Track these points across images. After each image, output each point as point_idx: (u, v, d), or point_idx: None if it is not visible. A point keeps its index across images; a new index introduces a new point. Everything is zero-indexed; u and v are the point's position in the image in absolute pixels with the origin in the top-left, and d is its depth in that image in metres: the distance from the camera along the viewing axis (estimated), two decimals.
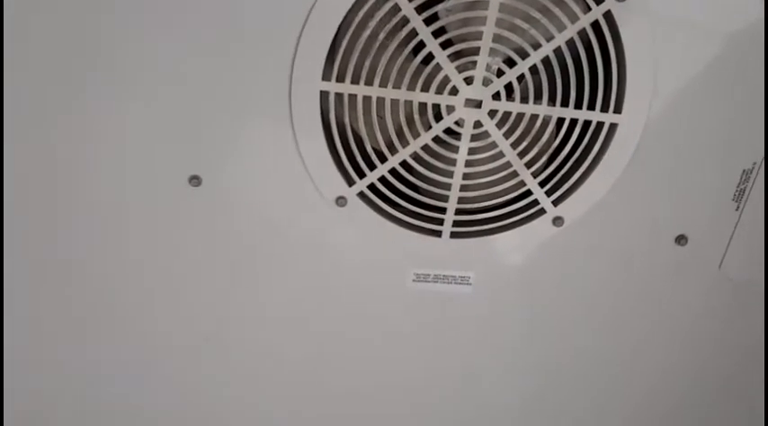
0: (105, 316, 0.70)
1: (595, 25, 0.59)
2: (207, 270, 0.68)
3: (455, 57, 0.60)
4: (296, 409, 0.79)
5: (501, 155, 0.64)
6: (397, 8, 0.57)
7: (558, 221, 0.67)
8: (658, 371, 0.78)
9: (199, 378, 0.76)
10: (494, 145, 0.64)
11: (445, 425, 0.81)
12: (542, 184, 0.66)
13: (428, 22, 0.57)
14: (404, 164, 0.64)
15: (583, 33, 0.59)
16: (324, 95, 0.60)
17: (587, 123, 0.63)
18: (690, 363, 0.78)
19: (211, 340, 0.73)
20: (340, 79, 0.59)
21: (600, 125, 0.63)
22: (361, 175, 0.64)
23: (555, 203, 0.67)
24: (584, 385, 0.80)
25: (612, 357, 0.77)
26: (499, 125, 0.63)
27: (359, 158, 0.63)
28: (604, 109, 0.62)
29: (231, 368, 0.75)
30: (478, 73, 0.60)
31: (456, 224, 0.68)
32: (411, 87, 0.60)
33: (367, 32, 0.58)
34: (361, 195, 0.65)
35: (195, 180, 0.63)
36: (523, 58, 0.60)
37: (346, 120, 0.62)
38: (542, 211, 0.67)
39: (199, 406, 0.77)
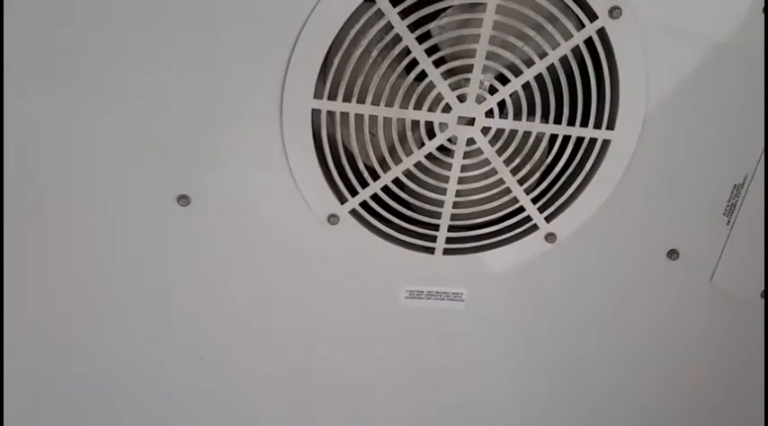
0: (92, 336, 0.68)
1: (588, 41, 0.59)
2: (198, 290, 0.67)
3: (448, 74, 0.59)
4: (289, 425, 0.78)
5: (494, 171, 0.64)
6: (389, 25, 0.56)
7: (550, 237, 0.67)
8: (653, 386, 0.78)
9: (193, 396, 0.74)
10: (486, 162, 0.63)
11: None
12: (535, 201, 0.66)
13: (421, 39, 0.57)
14: (396, 180, 0.64)
15: (576, 50, 0.59)
16: (315, 113, 0.59)
17: (580, 139, 0.63)
18: (683, 377, 0.78)
19: (207, 358, 0.72)
20: (332, 97, 0.59)
21: (593, 141, 0.63)
22: (354, 193, 0.64)
23: (547, 219, 0.67)
24: (580, 400, 0.79)
25: (607, 372, 0.77)
26: (492, 142, 0.62)
27: (351, 176, 0.63)
28: (597, 125, 0.62)
29: (225, 385, 0.74)
30: (471, 90, 0.59)
31: (449, 240, 0.67)
32: (404, 105, 0.60)
33: (359, 50, 0.57)
34: (354, 212, 0.65)
35: (184, 199, 0.61)
36: (516, 75, 0.60)
37: (338, 138, 0.61)
38: (535, 227, 0.67)
39: (193, 422, 0.76)
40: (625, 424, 0.81)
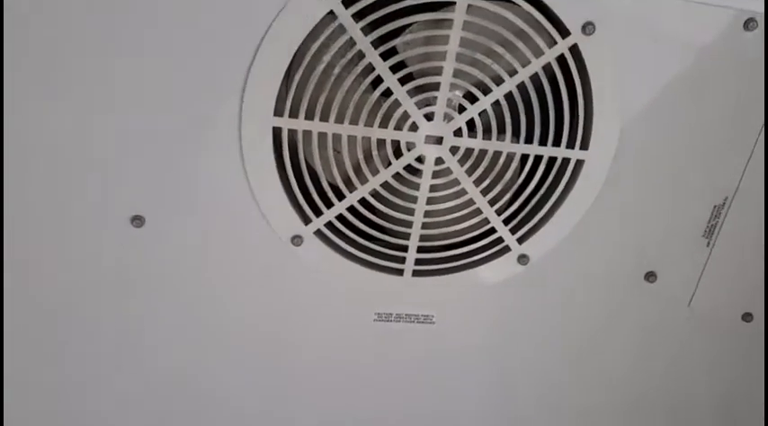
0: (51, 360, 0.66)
1: (560, 58, 0.56)
2: (156, 314, 0.64)
3: (415, 91, 0.57)
4: None
5: (464, 192, 0.61)
6: (352, 41, 0.53)
7: (523, 259, 0.65)
8: (630, 409, 0.76)
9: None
10: (456, 181, 0.61)
11: None
12: (507, 221, 0.64)
13: (386, 55, 0.54)
14: (362, 200, 0.61)
15: (547, 66, 0.57)
16: (276, 131, 0.57)
17: (552, 159, 0.61)
18: (661, 399, 0.76)
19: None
20: (293, 114, 0.56)
21: (566, 161, 0.61)
22: (318, 213, 0.61)
23: (520, 241, 0.64)
24: (552, 421, 0.77)
25: (583, 395, 0.74)
26: (461, 161, 0.60)
27: (315, 195, 0.60)
28: (570, 145, 0.60)
29: (196, 411, 0.71)
30: (439, 109, 0.57)
31: (418, 262, 0.65)
32: (369, 123, 0.57)
33: (322, 65, 0.54)
34: (318, 233, 0.62)
35: (138, 220, 0.59)
36: (485, 93, 0.57)
37: (301, 156, 0.58)
38: (507, 249, 0.65)
39: None
40: None
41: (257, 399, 0.71)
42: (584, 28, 0.54)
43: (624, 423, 0.77)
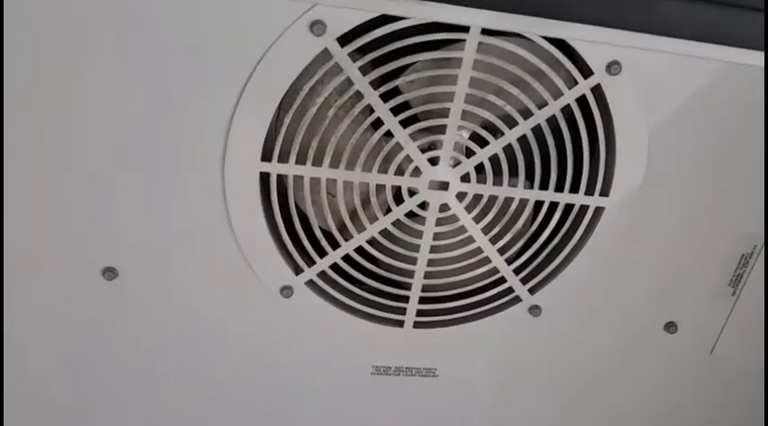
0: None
1: (581, 99, 0.51)
2: (135, 374, 0.59)
3: (418, 134, 0.51)
4: None
5: (471, 240, 0.56)
6: (350, 81, 0.48)
7: (534, 310, 0.59)
8: None
9: None
10: (462, 229, 0.55)
11: None
12: (517, 271, 0.58)
13: (387, 96, 0.49)
14: (359, 248, 0.56)
15: (566, 107, 0.51)
16: (264, 176, 0.51)
17: (569, 206, 0.55)
18: None
19: None
20: (283, 158, 0.51)
21: (584, 208, 0.55)
22: (310, 262, 0.56)
23: (531, 291, 0.59)
24: None
25: None
26: (469, 208, 0.54)
27: (306, 243, 0.54)
28: (589, 191, 0.54)
29: None
30: (445, 153, 0.51)
31: (420, 313, 0.59)
32: (367, 167, 0.52)
33: (315, 106, 0.49)
34: (310, 283, 0.57)
35: (110, 272, 0.53)
36: (495, 134, 0.52)
37: (291, 201, 0.53)
38: (517, 299, 0.59)
39: None
40: None
41: None
42: (608, 67, 0.48)
43: None
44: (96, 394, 0.60)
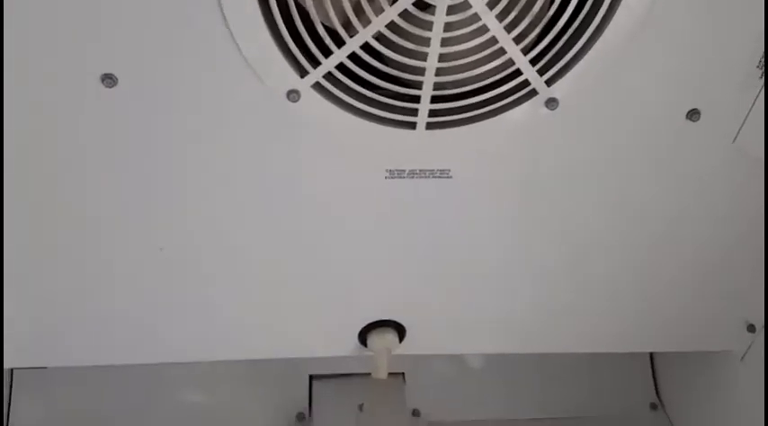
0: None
1: None
2: (141, 181, 0.59)
3: None
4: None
5: (485, 29, 0.52)
6: None
7: (551, 103, 0.57)
8: (670, 262, 0.72)
9: (160, 286, 0.69)
10: (476, 17, 0.51)
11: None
12: (534, 62, 0.55)
13: None
14: (366, 45, 0.53)
15: None
16: None
17: None
18: (699, 239, 0.71)
19: (166, 248, 0.66)
20: None
21: None
22: (315, 63, 0.53)
23: (548, 83, 0.56)
24: (586, 280, 0.74)
25: (618, 249, 0.70)
26: None
27: (310, 43, 0.51)
28: None
29: (188, 275, 0.68)
30: None
31: (432, 113, 0.57)
32: None
33: None
34: (317, 86, 0.54)
35: (109, 79, 0.51)
36: None
37: None
38: (534, 92, 0.57)
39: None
40: (639, 308, 0.76)
41: (264, 263, 0.68)
42: None
43: (665, 275, 0.73)
44: (96, 199, 0.60)
